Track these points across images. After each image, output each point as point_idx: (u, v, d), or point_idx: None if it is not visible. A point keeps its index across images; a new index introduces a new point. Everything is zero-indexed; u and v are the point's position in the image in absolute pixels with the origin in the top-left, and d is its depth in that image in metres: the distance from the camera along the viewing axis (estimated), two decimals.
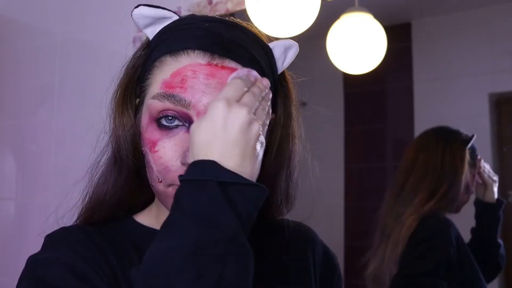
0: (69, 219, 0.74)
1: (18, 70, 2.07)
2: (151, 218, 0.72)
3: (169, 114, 0.63)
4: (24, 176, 2.01)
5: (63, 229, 0.68)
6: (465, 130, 1.43)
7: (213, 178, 0.51)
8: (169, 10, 0.68)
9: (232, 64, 0.64)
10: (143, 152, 0.67)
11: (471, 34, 1.53)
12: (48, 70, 1.97)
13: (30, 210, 1.97)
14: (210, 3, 1.61)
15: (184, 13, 1.62)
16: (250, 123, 0.54)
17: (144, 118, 0.66)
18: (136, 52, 0.73)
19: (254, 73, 0.61)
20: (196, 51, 0.64)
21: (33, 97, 2.01)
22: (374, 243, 1.44)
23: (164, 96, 0.63)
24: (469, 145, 1.39)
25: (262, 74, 0.66)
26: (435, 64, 1.57)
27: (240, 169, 0.53)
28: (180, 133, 0.63)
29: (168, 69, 0.65)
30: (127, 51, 0.77)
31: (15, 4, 2.10)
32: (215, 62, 0.63)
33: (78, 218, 0.72)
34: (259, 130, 0.55)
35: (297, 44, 0.73)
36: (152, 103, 0.64)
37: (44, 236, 0.67)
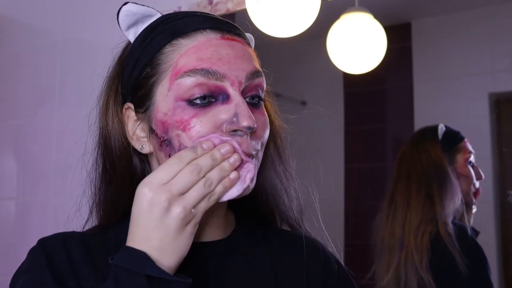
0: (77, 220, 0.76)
1: (18, 70, 2.07)
2: None
3: (204, 94, 0.63)
4: (24, 175, 2.01)
5: (55, 236, 0.69)
6: (465, 130, 1.43)
7: (142, 271, 0.55)
8: (153, 8, 0.70)
9: (238, 39, 0.68)
10: (166, 139, 0.65)
11: (471, 34, 1.53)
12: (48, 70, 1.97)
13: (31, 209, 1.97)
14: (210, 3, 1.61)
15: None
16: (167, 209, 0.57)
17: (165, 104, 0.65)
18: (120, 57, 0.74)
19: (209, 143, 0.62)
20: (208, 30, 0.66)
21: (33, 97, 2.01)
22: (382, 257, 1.44)
23: (195, 71, 0.63)
24: (440, 136, 1.40)
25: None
26: (435, 64, 1.57)
27: (160, 259, 0.56)
28: (216, 107, 0.64)
29: (186, 49, 0.65)
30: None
31: (15, 4, 2.10)
32: (226, 37, 0.66)
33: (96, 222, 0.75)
34: (180, 215, 0.57)
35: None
36: (182, 81, 0.64)
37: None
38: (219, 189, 0.60)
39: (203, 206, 0.59)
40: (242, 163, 0.63)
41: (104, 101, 0.72)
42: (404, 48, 1.57)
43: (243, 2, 1.40)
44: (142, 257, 0.56)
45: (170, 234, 0.57)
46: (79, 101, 1.87)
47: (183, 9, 1.63)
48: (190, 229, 0.58)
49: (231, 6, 1.57)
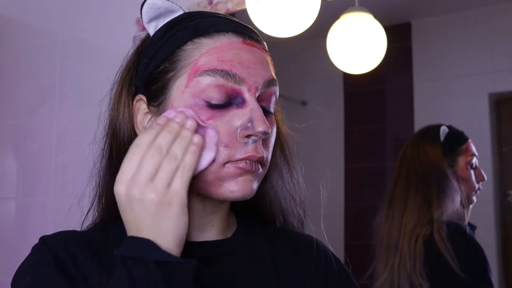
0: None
1: (18, 70, 2.07)
2: None
3: (220, 99, 0.63)
4: (24, 175, 2.02)
5: (55, 235, 0.69)
6: (465, 130, 1.43)
7: (150, 258, 0.55)
8: (176, 4, 0.71)
9: (258, 45, 0.69)
10: None
11: (471, 34, 1.53)
12: (48, 70, 1.97)
13: (31, 209, 1.97)
14: (210, 3, 1.61)
15: None
16: (141, 199, 0.57)
17: (181, 100, 0.65)
18: (137, 48, 0.74)
19: (163, 118, 0.62)
20: (231, 33, 0.67)
21: (33, 97, 2.01)
22: (381, 256, 1.44)
23: (215, 71, 0.64)
24: (442, 138, 1.40)
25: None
26: (435, 64, 1.57)
27: (159, 244, 0.56)
28: (232, 110, 0.64)
29: (208, 48, 0.65)
30: (128, 51, 0.78)
31: (15, 4, 2.10)
32: (247, 42, 0.67)
33: (94, 219, 0.74)
34: (154, 200, 0.57)
35: None
36: (200, 80, 0.64)
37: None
38: (188, 157, 0.59)
39: (180, 181, 0.58)
40: (203, 127, 0.62)
41: (117, 91, 0.72)
42: (404, 48, 1.57)
43: (243, 2, 1.40)
44: (147, 244, 0.56)
45: (153, 220, 0.57)
46: (79, 101, 1.87)
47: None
48: (176, 209, 0.57)
49: (231, 6, 1.57)
